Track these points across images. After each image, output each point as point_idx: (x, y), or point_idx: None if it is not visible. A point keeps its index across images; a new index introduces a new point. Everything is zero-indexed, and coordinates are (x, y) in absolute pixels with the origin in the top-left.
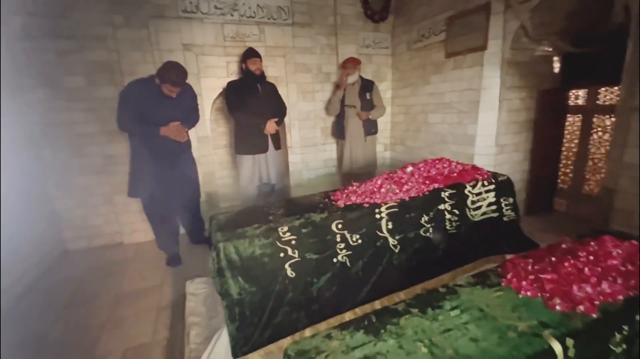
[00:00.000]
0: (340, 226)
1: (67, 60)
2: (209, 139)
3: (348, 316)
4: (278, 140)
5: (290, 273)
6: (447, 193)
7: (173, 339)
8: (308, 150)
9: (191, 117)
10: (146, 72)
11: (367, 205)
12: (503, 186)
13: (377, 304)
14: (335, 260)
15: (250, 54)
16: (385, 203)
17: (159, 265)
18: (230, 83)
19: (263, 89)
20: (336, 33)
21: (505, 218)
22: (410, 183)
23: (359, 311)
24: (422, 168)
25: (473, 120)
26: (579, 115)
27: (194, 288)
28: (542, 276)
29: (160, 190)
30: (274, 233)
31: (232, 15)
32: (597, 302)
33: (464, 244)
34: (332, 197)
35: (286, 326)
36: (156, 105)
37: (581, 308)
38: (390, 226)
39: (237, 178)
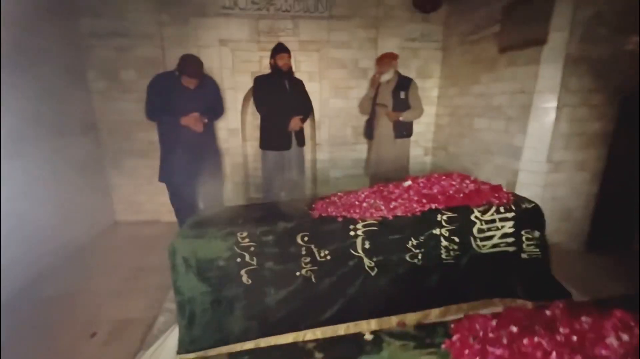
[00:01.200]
0: (306, 238)
1: (123, 55)
2: (238, 131)
3: (309, 335)
4: (302, 137)
5: (246, 279)
6: (445, 216)
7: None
8: (337, 148)
9: (212, 108)
10: None
11: (341, 220)
12: (527, 216)
13: (342, 330)
14: (298, 273)
15: (278, 49)
16: (363, 220)
17: None
18: (257, 79)
19: (290, 85)
20: (377, 25)
21: (524, 255)
22: (400, 200)
23: (319, 332)
24: (422, 184)
25: (521, 129)
26: None
27: None
28: (489, 348)
29: (182, 177)
30: (233, 237)
31: (268, 9)
32: None
33: (464, 278)
34: (313, 206)
35: (236, 333)
36: (177, 97)
37: None
38: (367, 246)
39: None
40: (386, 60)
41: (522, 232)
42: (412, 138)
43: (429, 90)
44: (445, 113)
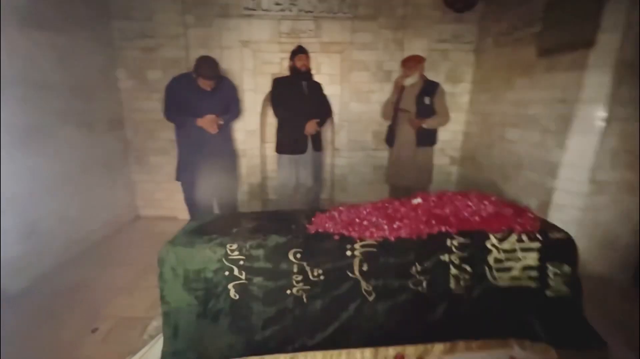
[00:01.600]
0: (298, 255)
1: (150, 56)
2: (256, 133)
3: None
4: (319, 142)
5: (233, 294)
6: (455, 242)
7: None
8: (356, 154)
9: (228, 110)
10: None
11: (337, 238)
12: (555, 247)
13: (333, 356)
14: (289, 292)
15: (297, 50)
16: (362, 239)
17: None
18: (275, 80)
19: (308, 88)
20: (404, 26)
21: (549, 293)
22: (405, 220)
23: (310, 357)
24: (432, 202)
25: (559, 143)
26: None
27: None
28: None
29: (197, 177)
30: (222, 249)
31: (290, 10)
32: None
33: (475, 313)
34: (312, 218)
35: (221, 350)
36: (193, 98)
37: None
38: (364, 268)
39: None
40: (411, 63)
41: (549, 266)
42: (437, 146)
43: (458, 96)
44: (475, 120)
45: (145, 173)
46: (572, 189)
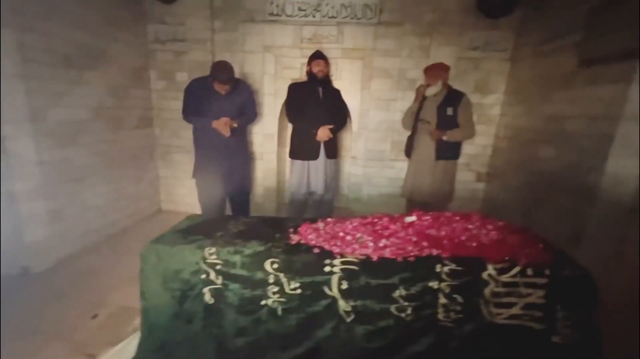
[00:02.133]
0: (275, 266)
1: (179, 59)
2: (274, 136)
3: None
4: (333, 149)
5: (208, 298)
6: (447, 268)
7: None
8: (373, 164)
9: (244, 113)
10: None
11: (317, 251)
12: (568, 286)
13: None
14: (264, 302)
15: (315, 56)
16: (343, 256)
17: None
18: (291, 86)
19: (324, 94)
20: (432, 32)
21: (557, 338)
22: (393, 239)
23: None
24: (427, 222)
25: (598, 164)
26: None
27: None
28: None
29: (210, 178)
30: (200, 251)
31: (314, 16)
32: None
33: (466, 350)
34: (297, 228)
35: (190, 354)
36: (209, 100)
37: None
38: (343, 287)
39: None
40: (434, 71)
41: (558, 308)
42: (463, 160)
43: (489, 108)
44: (505, 135)
45: (168, 169)
46: (609, 218)
